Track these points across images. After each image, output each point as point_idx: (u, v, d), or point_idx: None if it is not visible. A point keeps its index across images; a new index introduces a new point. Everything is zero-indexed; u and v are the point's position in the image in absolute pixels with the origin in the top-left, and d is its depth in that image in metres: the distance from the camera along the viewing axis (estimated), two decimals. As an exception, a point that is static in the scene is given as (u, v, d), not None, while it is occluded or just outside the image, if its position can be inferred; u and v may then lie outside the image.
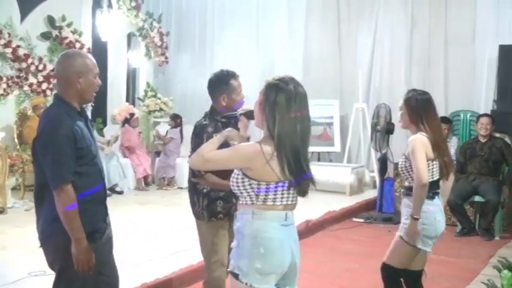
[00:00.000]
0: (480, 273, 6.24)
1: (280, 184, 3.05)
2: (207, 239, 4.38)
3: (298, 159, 3.05)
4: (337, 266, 6.67)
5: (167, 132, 11.52)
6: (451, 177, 4.39)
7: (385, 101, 10.58)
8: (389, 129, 9.22)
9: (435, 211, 4.19)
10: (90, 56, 3.54)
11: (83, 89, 3.42)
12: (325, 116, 11.66)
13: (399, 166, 4.32)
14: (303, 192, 3.14)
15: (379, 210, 9.18)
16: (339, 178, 10.52)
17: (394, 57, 11.67)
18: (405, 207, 4.28)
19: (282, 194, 3.08)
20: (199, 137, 4.18)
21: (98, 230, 3.47)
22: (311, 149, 11.16)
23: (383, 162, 9.18)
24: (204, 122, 4.27)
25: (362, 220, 9.00)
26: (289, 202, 3.12)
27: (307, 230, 7.92)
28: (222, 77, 4.30)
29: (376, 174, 10.63)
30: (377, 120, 9.38)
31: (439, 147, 4.19)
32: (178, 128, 11.43)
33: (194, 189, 4.37)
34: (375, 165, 10.70)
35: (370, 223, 8.88)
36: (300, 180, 3.07)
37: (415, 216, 4.10)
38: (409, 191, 4.22)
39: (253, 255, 3.03)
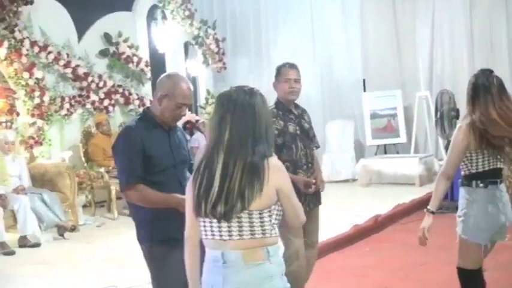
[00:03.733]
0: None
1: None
2: None
3: (211, 177, 2.55)
4: (409, 260, 6.49)
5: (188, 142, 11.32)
6: None
7: (449, 86, 10.35)
8: (454, 115, 8.98)
9: (488, 201, 3.88)
10: (186, 84, 3.57)
11: (162, 110, 3.51)
12: (388, 107, 11.51)
13: None
14: (220, 217, 2.55)
15: (450, 199, 8.92)
16: (407, 169, 10.31)
17: (455, 41, 11.43)
18: (461, 198, 4.00)
19: (211, 225, 2.59)
20: None
21: (174, 238, 3.37)
22: (376, 142, 10.95)
23: (451, 149, 8.94)
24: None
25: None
26: (227, 237, 2.55)
27: (377, 226, 7.77)
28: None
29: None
30: (440, 107, 9.14)
31: (489, 134, 3.80)
32: (198, 133, 11.03)
33: None
34: (443, 153, 10.44)
35: (442, 213, 8.57)
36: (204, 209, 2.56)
37: (431, 210, 3.90)
38: (465, 180, 3.95)
39: None
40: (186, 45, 12.87)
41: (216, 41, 13.08)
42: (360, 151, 11.95)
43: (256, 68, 13.38)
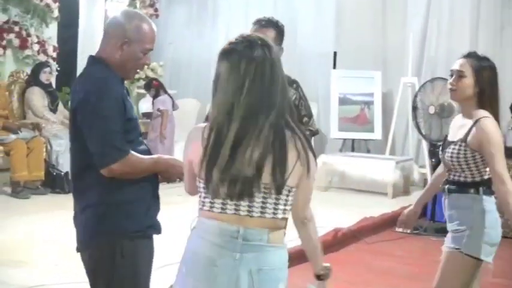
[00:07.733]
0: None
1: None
2: None
3: (229, 147, 2.72)
4: (373, 289, 6.54)
5: (153, 104, 11.30)
6: None
7: (443, 74, 10.40)
8: (447, 112, 9.02)
9: (495, 210, 4.10)
10: (151, 25, 3.55)
11: (125, 59, 3.46)
12: (363, 92, 11.56)
13: (451, 153, 4.08)
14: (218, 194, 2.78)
15: (430, 219, 9.00)
16: (379, 175, 10.42)
17: (456, 18, 11.58)
18: (453, 209, 4.14)
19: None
20: None
21: (153, 225, 3.52)
22: (343, 135, 10.94)
23: (437, 155, 8.95)
24: None
25: (408, 231, 8.79)
26: (247, 213, 2.79)
27: (336, 242, 7.81)
28: None
29: (428, 171, 10.43)
30: (435, 99, 9.12)
31: None
32: (165, 95, 11.23)
33: None
34: (427, 159, 10.51)
35: (419, 234, 8.70)
36: (213, 179, 2.74)
37: None
38: (467, 187, 4.08)
39: (179, 275, 2.91)
40: (110, -20, 12.66)
41: (150, -21, 12.93)
42: (321, 144, 11.96)
43: (196, 21, 13.32)
